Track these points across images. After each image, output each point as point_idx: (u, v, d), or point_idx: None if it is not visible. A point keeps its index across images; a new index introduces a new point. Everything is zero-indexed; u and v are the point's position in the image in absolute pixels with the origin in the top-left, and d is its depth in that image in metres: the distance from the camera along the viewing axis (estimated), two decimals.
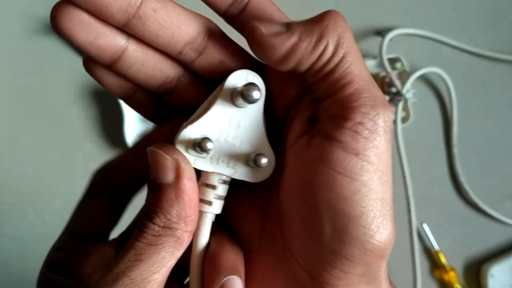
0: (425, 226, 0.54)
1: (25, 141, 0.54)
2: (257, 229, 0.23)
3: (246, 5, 0.21)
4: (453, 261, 0.54)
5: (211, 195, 0.22)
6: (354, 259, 0.19)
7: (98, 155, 0.54)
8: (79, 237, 0.25)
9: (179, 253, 0.20)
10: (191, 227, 0.20)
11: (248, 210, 0.23)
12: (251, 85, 0.20)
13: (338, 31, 0.19)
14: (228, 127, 0.21)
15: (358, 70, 0.19)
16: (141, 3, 0.19)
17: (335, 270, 0.19)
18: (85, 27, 0.19)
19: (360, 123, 0.19)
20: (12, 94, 0.54)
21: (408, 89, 0.51)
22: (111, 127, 0.54)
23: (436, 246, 0.54)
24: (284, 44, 0.19)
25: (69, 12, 0.19)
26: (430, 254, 0.55)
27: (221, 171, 0.21)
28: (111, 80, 0.22)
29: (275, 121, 0.23)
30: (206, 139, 0.20)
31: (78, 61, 0.20)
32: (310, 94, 0.21)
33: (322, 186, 0.19)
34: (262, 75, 0.22)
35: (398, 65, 0.52)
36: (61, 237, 0.25)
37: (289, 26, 0.20)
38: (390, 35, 0.52)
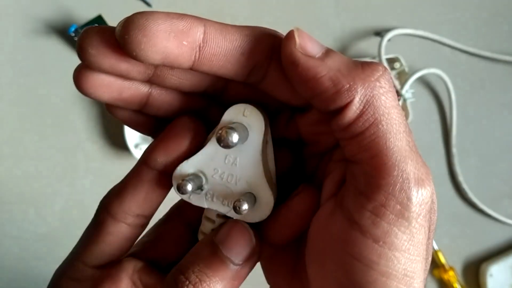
0: None
1: (26, 141, 0.54)
2: (288, 273, 0.22)
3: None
4: (452, 261, 0.55)
5: (209, 228, 0.21)
6: None
7: (99, 155, 0.54)
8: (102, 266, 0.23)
9: None
10: None
11: (279, 253, 0.22)
12: (228, 129, 0.18)
13: (375, 91, 0.17)
14: (224, 164, 0.20)
15: (391, 142, 0.17)
16: (156, 66, 0.19)
17: None
18: (106, 88, 0.19)
19: (383, 205, 0.16)
20: (12, 94, 0.54)
21: (407, 89, 0.51)
22: (112, 127, 0.54)
23: (435, 246, 0.54)
24: (308, 70, 0.17)
25: (88, 76, 0.19)
26: None
27: (216, 208, 0.21)
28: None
29: (304, 158, 0.22)
30: (185, 181, 0.19)
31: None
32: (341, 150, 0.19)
33: (338, 267, 0.18)
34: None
35: (397, 65, 0.52)
36: (73, 267, 0.23)
37: (327, 54, 0.17)
38: (389, 35, 0.52)
